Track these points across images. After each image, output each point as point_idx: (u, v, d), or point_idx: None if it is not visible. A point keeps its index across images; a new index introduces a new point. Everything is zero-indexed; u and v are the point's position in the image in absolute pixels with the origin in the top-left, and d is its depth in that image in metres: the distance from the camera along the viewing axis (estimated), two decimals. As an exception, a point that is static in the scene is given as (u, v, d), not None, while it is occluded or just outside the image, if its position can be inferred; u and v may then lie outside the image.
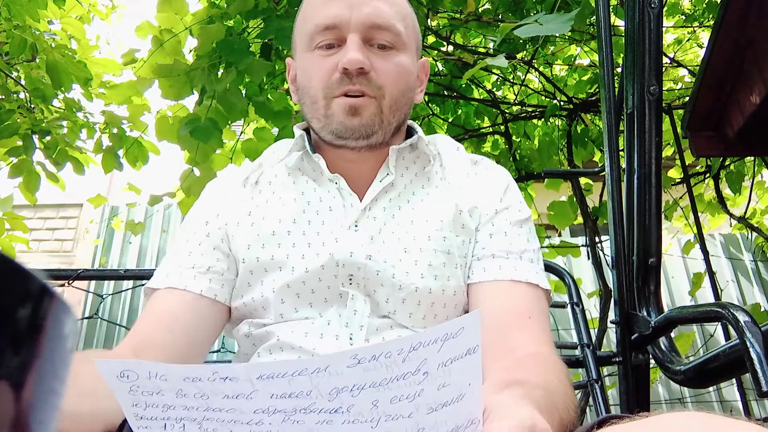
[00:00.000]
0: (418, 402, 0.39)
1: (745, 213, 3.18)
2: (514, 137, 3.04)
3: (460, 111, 3.00)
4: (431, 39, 2.64)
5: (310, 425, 0.40)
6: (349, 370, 0.38)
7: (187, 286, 0.79)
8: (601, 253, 2.83)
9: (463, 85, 2.86)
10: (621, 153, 1.40)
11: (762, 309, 3.35)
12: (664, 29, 1.55)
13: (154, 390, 0.40)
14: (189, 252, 0.83)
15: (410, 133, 0.90)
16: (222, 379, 0.38)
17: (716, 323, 2.80)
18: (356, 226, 0.80)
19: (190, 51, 2.20)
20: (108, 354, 0.75)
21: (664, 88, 1.43)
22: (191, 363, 0.75)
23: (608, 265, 1.51)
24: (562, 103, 2.93)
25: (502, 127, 2.95)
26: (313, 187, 0.84)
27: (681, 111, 2.58)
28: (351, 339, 0.74)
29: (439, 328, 0.38)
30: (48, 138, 2.60)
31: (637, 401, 1.25)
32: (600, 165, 2.46)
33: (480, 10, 2.52)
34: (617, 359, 1.27)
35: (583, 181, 3.03)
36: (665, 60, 2.96)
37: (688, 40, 3.23)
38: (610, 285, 1.60)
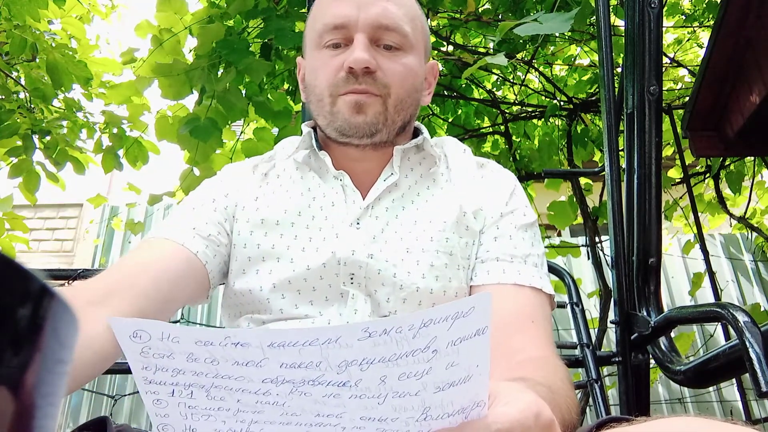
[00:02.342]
0: (426, 380, 0.39)
1: (745, 213, 3.18)
2: (514, 137, 3.04)
3: (460, 111, 3.00)
4: (431, 39, 2.64)
5: (317, 398, 0.39)
6: (360, 343, 0.37)
7: (185, 242, 0.77)
8: (601, 253, 2.83)
9: (463, 85, 2.86)
10: (621, 153, 1.40)
11: (762, 309, 3.35)
12: (664, 29, 1.55)
13: (165, 352, 0.39)
14: (192, 217, 0.82)
15: (416, 134, 0.90)
16: (233, 344, 0.38)
17: (716, 323, 2.80)
18: (358, 224, 0.80)
19: (190, 51, 2.20)
20: (77, 292, 0.69)
21: (664, 88, 1.43)
22: (161, 319, 0.71)
23: (608, 265, 1.51)
24: (562, 103, 2.93)
25: (502, 127, 2.95)
26: (318, 183, 0.85)
27: (681, 111, 2.58)
28: None
29: (450, 305, 0.37)
30: (48, 138, 2.61)
31: (637, 401, 1.25)
32: (600, 165, 2.46)
33: (480, 10, 2.52)
34: (617, 359, 1.27)
35: (583, 181, 3.03)
36: (665, 60, 2.96)
37: (688, 40, 3.23)
38: (610, 285, 1.60)
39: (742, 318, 0.83)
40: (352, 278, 0.77)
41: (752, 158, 2.97)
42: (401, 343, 0.37)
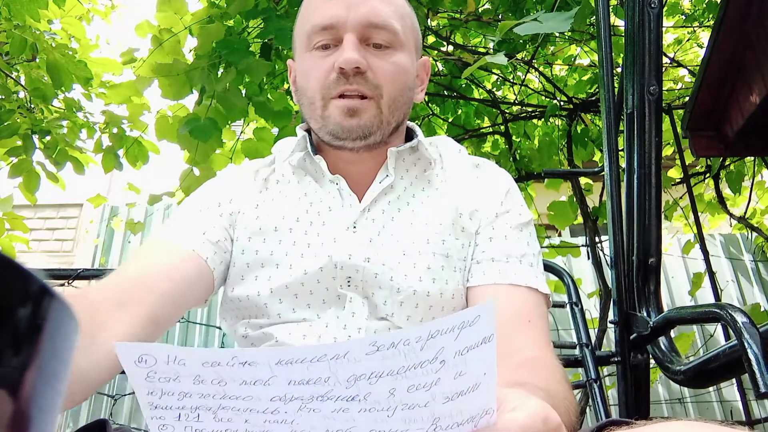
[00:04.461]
0: (435, 391, 0.39)
1: (745, 213, 3.18)
2: (514, 137, 3.04)
3: (460, 111, 3.00)
4: (431, 39, 2.64)
5: (326, 413, 0.39)
6: (368, 357, 0.37)
7: (196, 248, 0.77)
8: (601, 253, 2.83)
9: (463, 85, 2.86)
10: (621, 153, 1.40)
11: (762, 309, 3.35)
12: (664, 29, 1.55)
13: (171, 376, 0.39)
14: (200, 221, 0.82)
15: (410, 134, 0.90)
16: (241, 363, 0.38)
17: (716, 323, 2.80)
18: (354, 227, 0.80)
19: (190, 50, 2.20)
20: (95, 294, 0.68)
21: (664, 88, 1.43)
22: (169, 323, 0.72)
23: (608, 265, 1.51)
24: (562, 103, 2.93)
25: (502, 127, 2.95)
26: (314, 188, 0.84)
27: (681, 111, 2.58)
28: None
29: (455, 316, 0.38)
30: (48, 138, 2.61)
31: (637, 401, 1.25)
32: (600, 165, 2.46)
33: (480, 10, 2.52)
34: (616, 359, 1.27)
35: (583, 181, 3.03)
36: (665, 60, 2.96)
37: (688, 40, 3.23)
38: (610, 285, 1.60)
39: (740, 319, 0.83)
40: (349, 281, 0.76)
41: (752, 158, 2.97)
42: (409, 355, 0.38)
